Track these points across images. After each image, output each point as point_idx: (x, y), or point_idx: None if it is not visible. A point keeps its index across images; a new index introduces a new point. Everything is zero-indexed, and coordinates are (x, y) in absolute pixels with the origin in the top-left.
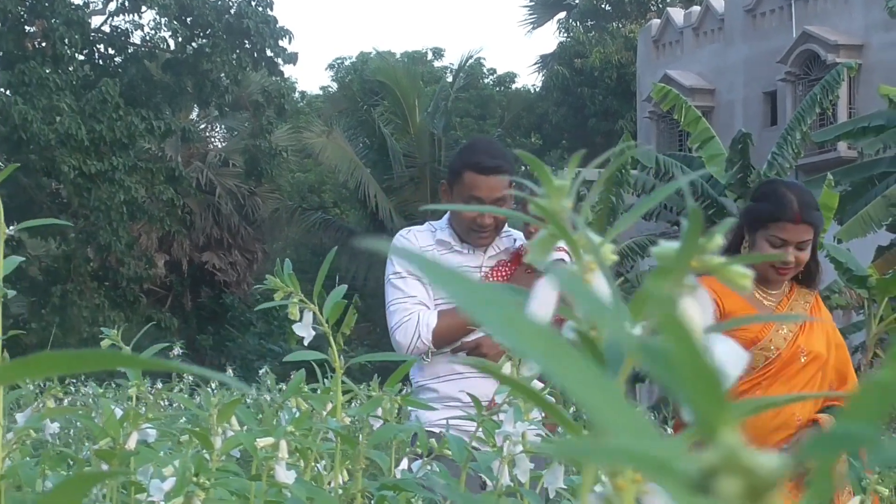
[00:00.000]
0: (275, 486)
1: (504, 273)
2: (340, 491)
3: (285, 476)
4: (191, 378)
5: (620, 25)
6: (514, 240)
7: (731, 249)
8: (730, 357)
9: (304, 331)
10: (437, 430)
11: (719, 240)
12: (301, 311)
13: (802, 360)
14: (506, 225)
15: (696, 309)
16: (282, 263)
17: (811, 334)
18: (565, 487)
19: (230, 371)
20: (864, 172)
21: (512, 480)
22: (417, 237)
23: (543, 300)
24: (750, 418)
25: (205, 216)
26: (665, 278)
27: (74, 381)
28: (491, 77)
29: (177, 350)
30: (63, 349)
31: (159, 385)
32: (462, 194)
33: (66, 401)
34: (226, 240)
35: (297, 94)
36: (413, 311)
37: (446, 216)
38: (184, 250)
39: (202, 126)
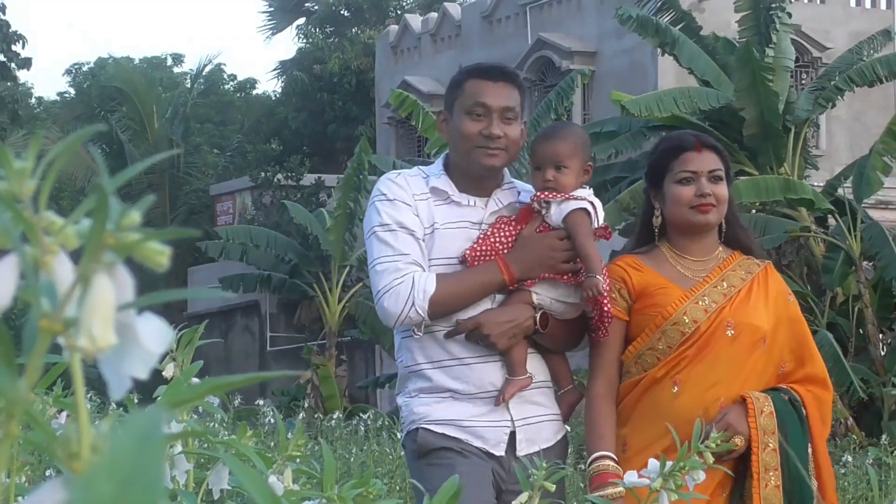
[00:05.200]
0: None
1: (508, 234)
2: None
3: None
4: None
5: (359, 31)
6: (518, 192)
7: (644, 224)
8: (152, 334)
9: None
10: (435, 428)
11: (136, 217)
12: None
13: (729, 333)
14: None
15: (111, 286)
16: None
17: (744, 306)
18: (230, 487)
19: None
20: (597, 178)
21: (172, 482)
22: (409, 182)
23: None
24: (666, 406)
25: None
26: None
27: None
28: (231, 83)
29: None
30: None
31: None
32: (464, 107)
33: None
34: None
35: (33, 100)
36: (406, 271)
37: (440, 162)
38: None
39: None
